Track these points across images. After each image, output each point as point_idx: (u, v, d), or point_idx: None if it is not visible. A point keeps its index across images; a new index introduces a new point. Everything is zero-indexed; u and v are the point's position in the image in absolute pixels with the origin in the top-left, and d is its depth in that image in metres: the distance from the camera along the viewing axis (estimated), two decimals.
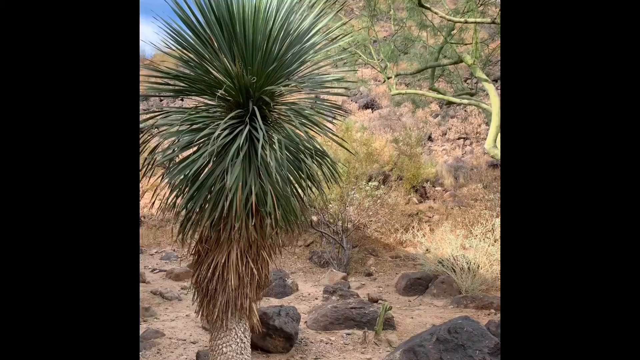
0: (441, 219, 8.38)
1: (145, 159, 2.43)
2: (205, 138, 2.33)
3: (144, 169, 2.39)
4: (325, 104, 2.83)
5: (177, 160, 2.41)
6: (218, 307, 2.47)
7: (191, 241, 2.57)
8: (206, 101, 2.68)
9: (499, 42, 6.45)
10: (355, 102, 16.71)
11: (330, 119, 3.01)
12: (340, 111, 2.77)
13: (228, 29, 2.40)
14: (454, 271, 6.00)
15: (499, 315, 4.90)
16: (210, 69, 2.53)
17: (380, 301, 5.47)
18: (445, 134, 12.94)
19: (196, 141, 2.30)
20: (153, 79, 2.52)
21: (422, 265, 6.58)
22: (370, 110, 15.94)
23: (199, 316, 2.62)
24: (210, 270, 2.45)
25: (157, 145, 2.47)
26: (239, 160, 2.23)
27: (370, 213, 7.73)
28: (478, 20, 3.63)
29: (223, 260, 2.44)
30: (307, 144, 2.44)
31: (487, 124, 13.08)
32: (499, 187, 8.54)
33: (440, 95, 4.96)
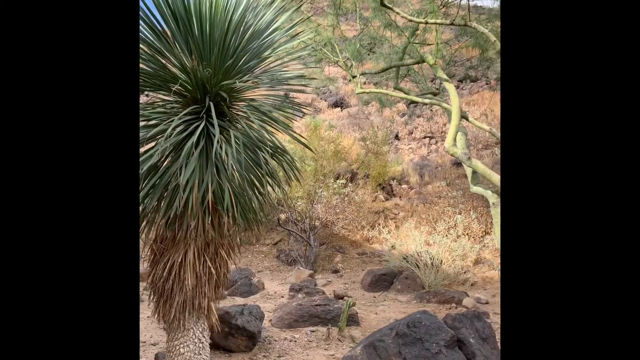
0: (407, 216, 8.54)
1: None
2: (160, 134, 2.28)
3: None
4: (286, 101, 2.82)
5: None
6: (175, 307, 2.42)
7: (147, 240, 2.50)
8: (163, 97, 2.62)
9: (461, 42, 6.62)
10: (325, 101, 16.76)
11: (291, 116, 3.00)
12: (303, 108, 2.76)
13: (184, 22, 2.35)
14: (418, 267, 6.14)
15: (459, 309, 5.05)
16: (167, 64, 2.47)
17: (345, 298, 5.52)
18: (412, 133, 13.19)
19: (149, 137, 2.24)
20: None
21: (388, 262, 6.69)
22: (339, 108, 16.04)
23: (155, 316, 2.55)
24: (166, 270, 2.39)
25: None
26: (194, 157, 2.18)
27: (338, 211, 7.78)
28: (438, 21, 3.71)
29: (180, 260, 2.39)
30: (265, 141, 2.42)
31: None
32: (462, 185, 8.79)
33: (403, 95, 5.05)
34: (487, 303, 5.27)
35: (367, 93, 5.20)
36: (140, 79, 2.51)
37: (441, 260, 6.32)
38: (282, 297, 5.65)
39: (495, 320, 4.58)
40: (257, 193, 2.62)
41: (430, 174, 10.47)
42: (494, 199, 4.22)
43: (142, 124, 2.37)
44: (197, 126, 2.24)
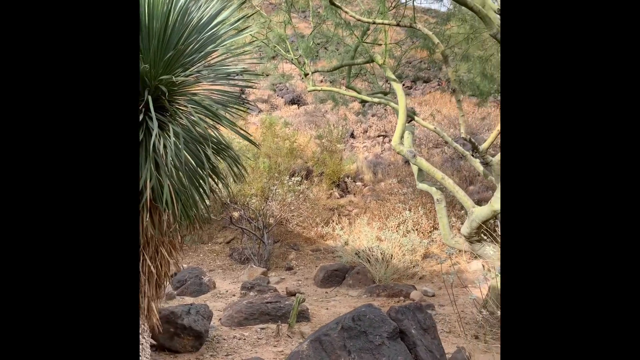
0: (360, 213, 8.70)
1: None
2: None
3: None
4: (233, 96, 2.79)
5: None
6: None
7: None
8: None
9: (411, 44, 6.83)
10: (282, 98, 16.68)
11: (241, 112, 2.97)
12: (249, 104, 2.73)
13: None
14: (369, 262, 6.28)
15: (407, 302, 5.23)
16: None
17: (297, 294, 5.54)
18: (367, 132, 13.44)
19: None
20: None
21: (341, 258, 6.79)
22: (296, 106, 16.02)
23: None
24: None
25: None
26: None
27: (293, 208, 7.79)
28: (385, 22, 3.81)
29: None
30: (207, 137, 2.38)
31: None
32: (413, 182, 9.07)
33: (354, 94, 5.13)
34: (433, 295, 5.49)
35: (320, 91, 5.24)
36: None
37: (391, 255, 6.50)
38: (234, 295, 5.58)
39: (440, 312, 4.78)
40: (200, 190, 2.58)
41: (383, 171, 10.72)
42: (438, 195, 4.41)
43: None
44: None
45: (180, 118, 2.46)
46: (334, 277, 6.13)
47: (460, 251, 6.13)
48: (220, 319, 4.47)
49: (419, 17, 6.72)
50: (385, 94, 6.11)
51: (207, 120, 2.46)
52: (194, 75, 2.39)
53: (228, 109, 2.76)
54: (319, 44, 6.65)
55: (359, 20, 3.95)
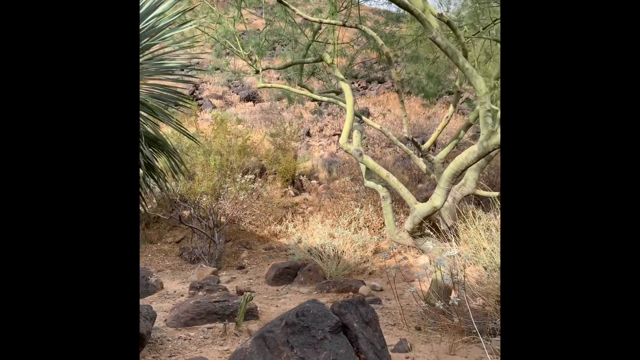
0: (314, 210, 8.77)
1: None
2: None
3: None
4: (169, 91, 2.72)
5: None
6: None
7: None
8: None
9: (362, 44, 6.96)
10: (237, 94, 16.44)
11: (188, 107, 2.91)
12: (185, 99, 2.68)
13: None
14: (321, 259, 6.36)
15: (356, 296, 5.34)
16: None
17: (244, 292, 5.51)
18: (322, 130, 13.54)
19: None
20: None
21: (293, 255, 6.81)
22: (251, 103, 15.85)
23: None
24: None
25: None
26: None
27: (245, 206, 7.71)
28: (332, 21, 3.87)
29: None
30: (140, 132, 2.32)
31: (359, 121, 14.08)
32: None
33: (305, 92, 5.17)
34: (381, 290, 5.64)
35: (269, 88, 5.23)
36: None
37: (343, 251, 6.62)
38: (182, 295, 5.45)
39: (386, 306, 4.93)
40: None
41: (338, 169, 10.86)
42: (383, 193, 4.54)
43: None
44: None
45: None
46: (286, 275, 6.15)
47: (408, 247, 6.34)
48: (165, 320, 4.36)
49: (371, 17, 6.86)
50: (338, 93, 6.19)
51: (142, 114, 2.39)
52: None
53: (170, 104, 2.70)
54: (273, 42, 6.62)
55: (305, 19, 3.98)
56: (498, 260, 3.75)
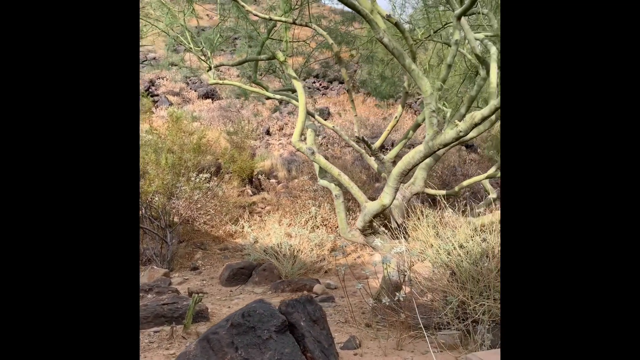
0: (273, 210, 8.70)
1: None
2: None
3: None
4: None
5: None
6: None
7: None
8: None
9: (317, 43, 6.97)
10: (195, 91, 16.03)
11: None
12: None
13: None
14: (277, 258, 6.31)
15: (310, 295, 5.35)
16: None
17: (193, 294, 5.38)
18: (282, 129, 13.47)
19: None
20: None
21: (249, 255, 6.73)
22: (210, 100, 15.51)
23: None
24: None
25: None
26: None
27: (199, 206, 7.53)
28: (282, 19, 3.84)
29: None
30: None
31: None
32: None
33: (258, 89, 5.11)
34: (336, 288, 5.68)
35: (221, 84, 5.12)
36: None
37: (300, 251, 6.61)
38: None
39: (339, 303, 4.97)
40: None
41: (297, 168, 10.84)
42: (336, 191, 4.56)
43: None
44: None
45: None
46: (240, 275, 6.06)
47: (362, 245, 6.41)
48: None
49: (326, 16, 6.88)
50: (294, 91, 6.16)
51: None
52: None
53: None
54: (232, 38, 6.50)
55: (255, 15, 3.93)
56: (444, 257, 3.87)
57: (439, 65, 6.20)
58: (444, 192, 4.67)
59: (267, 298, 5.27)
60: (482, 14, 4.90)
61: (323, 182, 4.66)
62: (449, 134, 3.38)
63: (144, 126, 8.39)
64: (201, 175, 7.71)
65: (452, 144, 4.07)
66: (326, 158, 11.71)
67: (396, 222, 4.51)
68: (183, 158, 7.52)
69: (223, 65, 5.70)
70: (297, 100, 4.76)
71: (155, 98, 14.60)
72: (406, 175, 3.86)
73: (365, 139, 4.24)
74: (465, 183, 4.65)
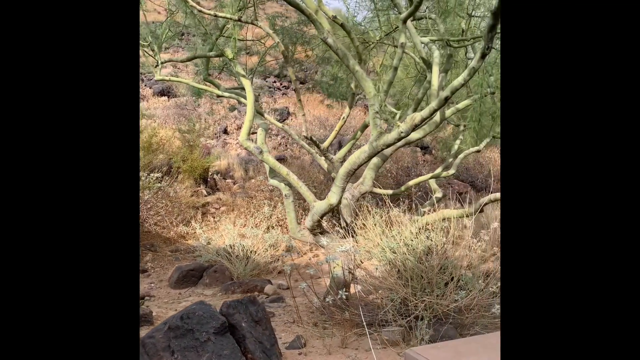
0: (228, 210, 8.57)
1: None
2: None
3: None
4: None
5: None
6: None
7: None
8: None
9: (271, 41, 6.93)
10: (150, 88, 15.50)
11: None
12: None
13: None
14: (229, 259, 6.21)
15: (260, 296, 5.30)
16: None
17: (146, 297, 5.21)
18: (240, 128, 13.29)
19: None
20: None
21: (200, 257, 6.58)
22: (166, 97, 15.05)
23: None
24: None
25: None
26: None
27: (149, 206, 7.28)
28: (228, 15, 3.78)
29: None
30: None
31: (279, 120, 14.05)
32: (279, 179, 9.26)
33: (205, 87, 5.01)
34: (287, 288, 5.66)
35: (167, 81, 4.98)
36: None
37: (254, 251, 6.54)
38: None
39: (289, 303, 4.96)
40: None
41: (254, 168, 10.73)
42: (286, 191, 4.55)
43: None
44: None
45: None
46: (190, 277, 5.91)
47: (311, 244, 6.43)
48: None
49: (288, 15, 6.85)
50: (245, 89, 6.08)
51: None
52: None
53: None
54: (177, 34, 6.32)
55: (200, 11, 3.85)
56: (389, 255, 3.95)
57: (390, 68, 6.33)
58: (390, 191, 4.77)
59: (217, 300, 5.17)
60: (430, 18, 5.05)
61: (273, 182, 4.64)
62: (391, 134, 3.45)
63: None
64: (152, 174, 7.46)
65: (398, 145, 4.17)
66: (284, 158, 11.66)
67: (345, 221, 4.56)
68: None
69: (172, 61, 5.54)
70: (242, 98, 4.71)
71: None
72: (353, 174, 3.90)
73: (314, 138, 4.26)
74: (411, 183, 4.78)
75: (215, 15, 3.78)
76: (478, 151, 5.12)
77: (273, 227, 7.46)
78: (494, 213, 6.93)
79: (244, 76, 4.35)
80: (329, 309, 4.04)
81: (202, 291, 5.64)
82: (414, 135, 3.89)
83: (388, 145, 3.56)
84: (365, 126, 5.02)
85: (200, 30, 5.94)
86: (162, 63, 4.88)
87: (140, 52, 8.14)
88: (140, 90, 15.41)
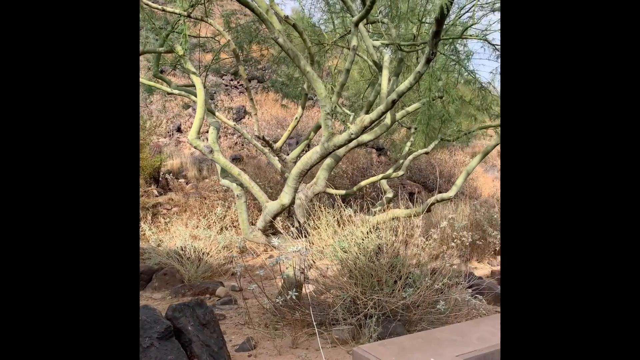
0: (180, 211, 8.31)
1: None
2: None
3: None
4: None
5: None
6: None
7: None
8: None
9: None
10: None
11: None
12: None
13: None
14: (180, 261, 6.03)
15: (212, 299, 5.19)
16: None
17: None
18: None
19: None
20: None
21: (150, 259, 6.34)
22: None
23: None
24: None
25: None
26: None
27: None
28: (176, 11, 3.68)
29: None
30: None
31: (235, 119, 13.83)
32: (233, 179, 9.10)
33: (154, 84, 4.83)
34: (240, 290, 5.58)
35: None
36: None
37: (207, 253, 6.38)
38: None
39: (242, 305, 4.89)
40: None
41: (208, 168, 10.49)
42: (238, 191, 4.49)
43: None
44: None
45: None
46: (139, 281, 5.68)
47: (265, 245, 6.38)
48: None
49: (237, 12, 6.74)
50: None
51: None
52: None
53: None
54: None
55: (146, 4, 3.71)
56: (341, 254, 4.00)
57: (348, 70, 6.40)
58: (343, 192, 4.83)
59: (166, 304, 5.00)
60: (383, 22, 5.16)
61: (225, 182, 4.56)
62: (342, 136, 3.49)
63: None
64: None
65: (350, 146, 4.23)
66: (240, 158, 11.48)
67: (298, 222, 4.56)
68: None
69: None
70: (193, 96, 4.59)
71: None
72: (306, 175, 3.92)
73: (267, 138, 4.23)
74: (363, 183, 4.87)
75: (164, 10, 3.66)
76: (427, 153, 5.30)
77: (227, 228, 7.33)
78: (443, 212, 7.21)
79: (194, 73, 4.24)
80: (280, 309, 4.02)
81: (151, 295, 5.43)
82: (365, 137, 3.97)
83: (339, 146, 3.60)
84: (318, 127, 5.05)
85: (150, 25, 5.72)
86: None
87: None
88: None
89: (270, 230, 4.32)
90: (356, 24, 3.82)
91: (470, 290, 4.16)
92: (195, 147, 3.93)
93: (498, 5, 4.33)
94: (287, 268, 4.34)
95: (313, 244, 4.36)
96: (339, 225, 4.28)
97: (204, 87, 4.46)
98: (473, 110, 5.79)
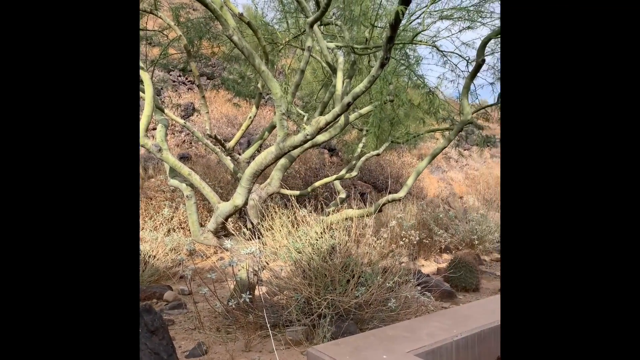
0: None
1: None
2: None
3: None
4: None
5: None
6: None
7: None
8: None
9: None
10: None
11: None
12: None
13: None
14: None
15: (159, 303, 4.98)
16: None
17: None
18: None
19: None
20: None
21: None
22: None
23: None
24: None
25: None
26: None
27: None
28: None
29: None
30: None
31: (183, 116, 13.36)
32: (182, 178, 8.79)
33: None
34: (189, 294, 5.40)
35: None
36: None
37: (153, 256, 6.11)
38: None
39: (192, 310, 4.73)
40: None
41: (155, 167, 10.06)
42: (187, 192, 4.34)
43: None
44: None
45: None
46: None
47: (216, 247, 6.24)
48: None
49: (186, 6, 6.52)
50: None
51: None
52: None
53: None
54: None
55: None
56: (295, 255, 3.99)
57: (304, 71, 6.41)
58: (297, 192, 4.83)
59: None
60: (336, 25, 5.22)
61: (173, 182, 4.39)
62: (298, 136, 3.49)
63: None
64: None
65: (305, 147, 4.23)
66: (188, 157, 11.11)
67: (252, 223, 4.49)
68: None
69: None
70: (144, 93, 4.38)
71: None
72: (260, 175, 3.86)
73: (219, 137, 4.12)
74: (317, 184, 4.89)
75: None
76: (378, 154, 5.43)
77: (174, 230, 7.07)
78: (392, 212, 7.43)
79: (142, 68, 4.04)
80: (232, 312, 3.94)
81: None
82: (320, 138, 3.99)
83: (295, 147, 3.60)
84: (272, 126, 5.01)
85: None
86: None
87: None
88: None
89: (222, 232, 4.22)
90: (311, 25, 3.83)
91: (419, 287, 4.32)
92: (142, 146, 3.74)
93: (446, 13, 4.53)
94: (239, 270, 4.26)
95: (266, 245, 4.32)
96: (293, 226, 4.27)
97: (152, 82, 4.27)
98: (421, 113, 6.02)
